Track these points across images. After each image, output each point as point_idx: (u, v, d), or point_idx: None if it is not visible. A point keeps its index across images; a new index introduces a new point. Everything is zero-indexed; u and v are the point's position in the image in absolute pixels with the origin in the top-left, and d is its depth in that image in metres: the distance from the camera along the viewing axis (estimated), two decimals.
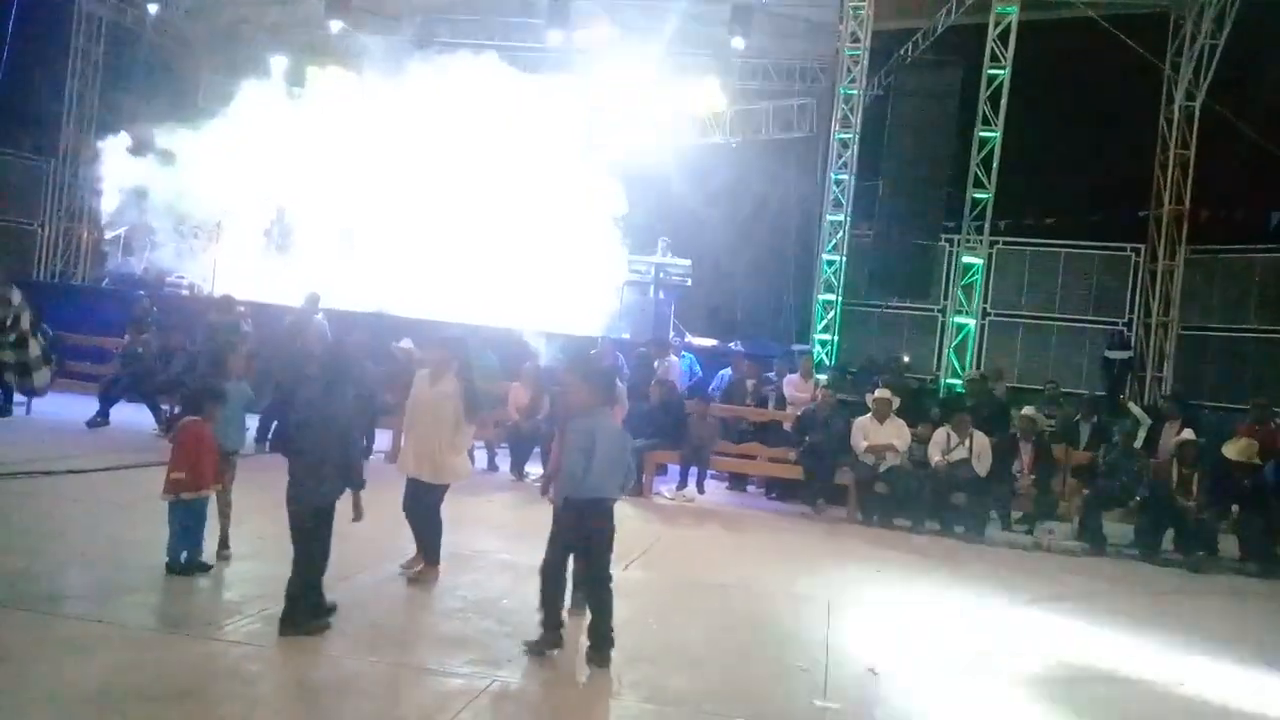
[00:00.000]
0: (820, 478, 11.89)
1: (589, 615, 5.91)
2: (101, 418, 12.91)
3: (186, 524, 6.66)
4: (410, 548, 7.21)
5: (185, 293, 17.67)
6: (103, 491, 9.02)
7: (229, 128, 18.62)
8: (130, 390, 13.23)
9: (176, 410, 9.84)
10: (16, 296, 7.66)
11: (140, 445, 11.10)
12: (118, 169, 19.03)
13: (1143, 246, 19.91)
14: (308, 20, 20.71)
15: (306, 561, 5.81)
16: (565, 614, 6.01)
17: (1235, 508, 11.09)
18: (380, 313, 15.48)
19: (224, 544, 7.09)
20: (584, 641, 5.84)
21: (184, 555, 6.65)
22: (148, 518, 7.03)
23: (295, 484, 5.86)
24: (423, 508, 7.15)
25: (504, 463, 12.63)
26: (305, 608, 5.77)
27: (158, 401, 12.99)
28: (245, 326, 13.57)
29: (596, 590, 5.89)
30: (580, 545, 5.94)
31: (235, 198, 18.48)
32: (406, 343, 11.18)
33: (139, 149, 18.67)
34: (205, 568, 6.74)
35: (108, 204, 19.49)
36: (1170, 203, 19.25)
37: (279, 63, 20.30)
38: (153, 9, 21.47)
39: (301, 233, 18.24)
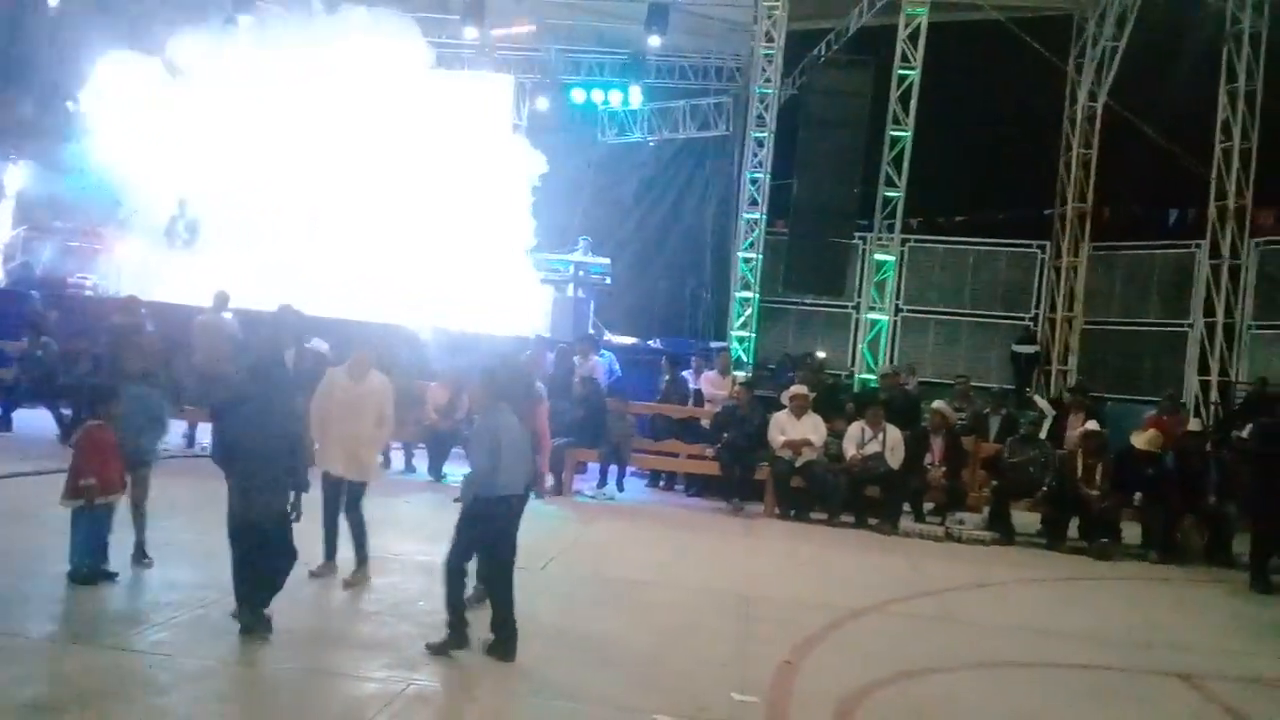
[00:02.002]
0: (739, 474, 11.99)
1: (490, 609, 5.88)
2: (2, 425, 12.48)
3: (90, 531, 6.45)
4: (318, 552, 7.08)
5: (88, 294, 17.12)
6: (1, 500, 8.70)
7: (121, 117, 18.04)
8: (30, 395, 12.79)
9: (76, 415, 9.56)
10: None
11: (43, 452, 10.73)
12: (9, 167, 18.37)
13: (1048, 244, 20.49)
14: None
15: (275, 570, 5.78)
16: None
17: (1138, 496, 11.47)
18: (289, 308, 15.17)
19: (142, 553, 6.91)
20: (488, 638, 5.80)
21: (88, 564, 6.44)
22: (51, 526, 6.79)
23: (249, 496, 5.73)
24: (352, 508, 7.10)
25: (422, 463, 12.50)
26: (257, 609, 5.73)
27: (59, 406, 12.57)
28: (149, 329, 13.20)
29: (500, 584, 5.87)
30: (486, 542, 5.89)
31: (134, 192, 17.92)
32: (318, 342, 10.97)
33: (30, 146, 18.02)
34: (110, 576, 6.52)
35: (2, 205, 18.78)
36: (1074, 201, 19.85)
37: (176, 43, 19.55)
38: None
39: (208, 228, 17.71)
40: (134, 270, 17.14)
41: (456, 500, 6.13)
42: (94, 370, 11.91)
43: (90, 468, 6.47)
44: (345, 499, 7.10)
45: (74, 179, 17.53)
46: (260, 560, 5.74)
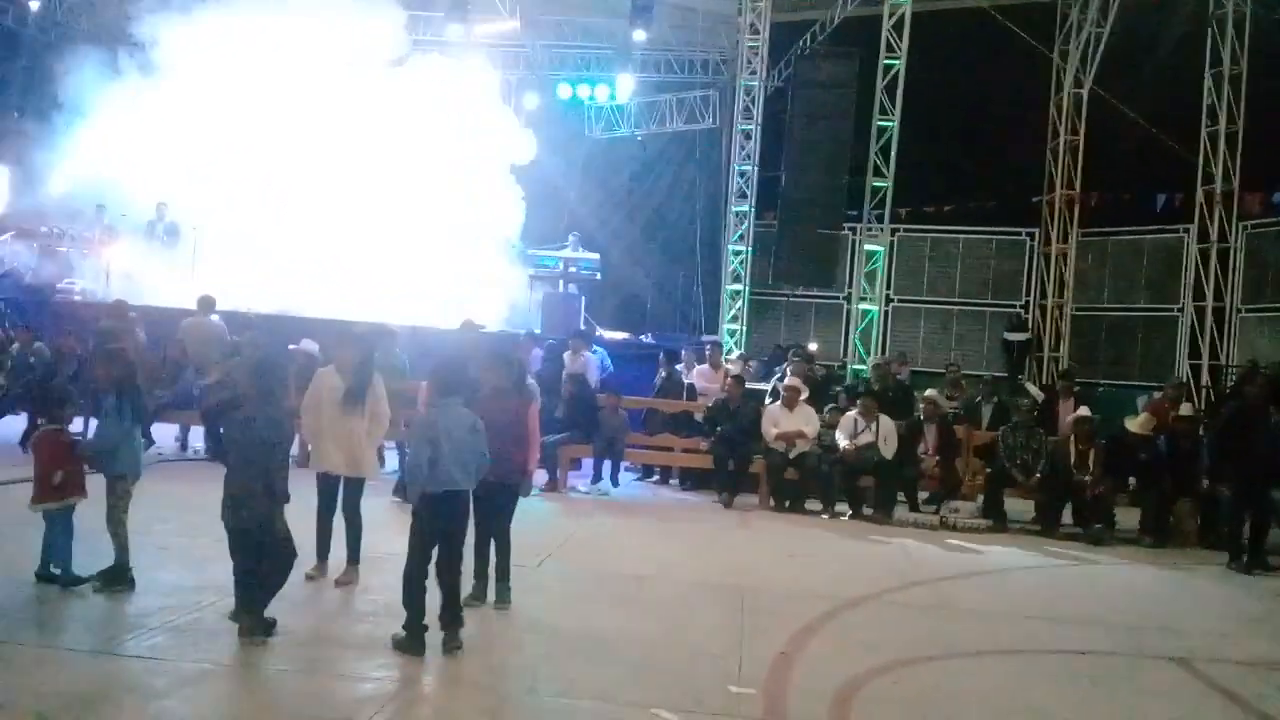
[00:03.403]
0: (734, 466, 11.99)
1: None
2: None
3: (58, 534, 6.43)
4: (313, 555, 7.07)
5: (77, 298, 17.05)
6: None
7: (101, 122, 17.98)
8: (23, 401, 12.72)
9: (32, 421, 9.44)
10: None
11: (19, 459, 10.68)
12: None
13: (1037, 230, 20.56)
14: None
15: (271, 572, 5.76)
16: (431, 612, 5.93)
17: (1132, 481, 11.49)
18: (281, 314, 15.19)
19: (122, 574, 6.48)
20: (440, 635, 5.78)
21: (64, 566, 6.41)
22: (17, 532, 6.77)
23: (243, 497, 5.71)
24: (351, 506, 7.10)
25: None
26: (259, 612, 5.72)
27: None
28: (139, 332, 13.17)
29: (448, 576, 5.85)
30: (437, 539, 5.85)
31: (116, 196, 17.86)
32: (307, 343, 10.94)
33: (17, 152, 17.93)
34: (79, 581, 6.41)
35: None
36: (1062, 187, 19.91)
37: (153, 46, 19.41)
38: (34, 5, 20.65)
39: (189, 230, 17.64)
40: (121, 273, 17.06)
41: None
42: (74, 377, 11.84)
43: (56, 467, 6.44)
44: (344, 497, 7.09)
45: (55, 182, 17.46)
46: (258, 561, 5.73)
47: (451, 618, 5.80)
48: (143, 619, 5.97)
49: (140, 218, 17.77)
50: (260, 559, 5.73)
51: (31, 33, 21.03)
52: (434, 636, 5.75)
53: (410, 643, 5.68)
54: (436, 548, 5.85)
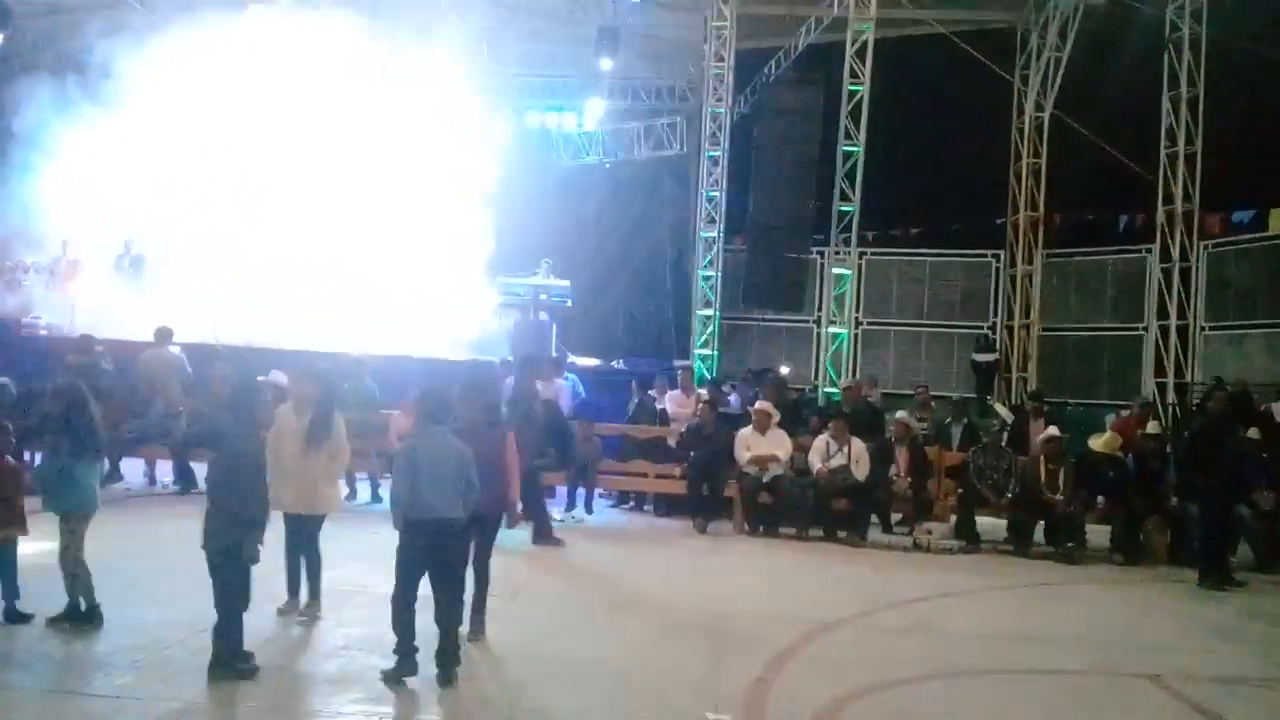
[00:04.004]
0: (708, 491, 11.99)
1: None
2: None
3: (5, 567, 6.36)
4: (284, 591, 7.00)
5: (43, 333, 16.87)
6: None
7: (63, 153, 17.87)
8: None
9: None
10: None
11: None
12: None
13: (1002, 252, 20.78)
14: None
15: (231, 600, 5.67)
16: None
17: (1101, 499, 11.59)
18: (249, 345, 15.08)
19: (74, 614, 6.34)
20: (433, 668, 5.75)
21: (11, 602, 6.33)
22: None
23: (208, 526, 5.67)
24: (309, 542, 6.99)
25: (388, 493, 12.37)
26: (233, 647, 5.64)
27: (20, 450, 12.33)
28: (106, 365, 13.05)
29: (443, 613, 5.83)
30: (425, 567, 5.83)
31: (79, 229, 17.74)
32: (276, 374, 10.85)
33: None
34: (21, 618, 6.34)
35: None
36: (1026, 209, 20.16)
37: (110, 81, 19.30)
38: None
39: (154, 262, 17.52)
40: (86, 307, 16.90)
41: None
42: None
43: None
44: (303, 535, 7.00)
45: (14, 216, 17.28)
46: (230, 594, 5.66)
47: (442, 654, 5.75)
48: (111, 657, 5.88)
49: (106, 250, 17.64)
50: (229, 589, 5.66)
51: None
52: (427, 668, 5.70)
53: (400, 666, 5.68)
54: (428, 578, 5.82)
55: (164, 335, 13.46)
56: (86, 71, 19.08)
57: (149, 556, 8.38)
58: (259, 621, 6.32)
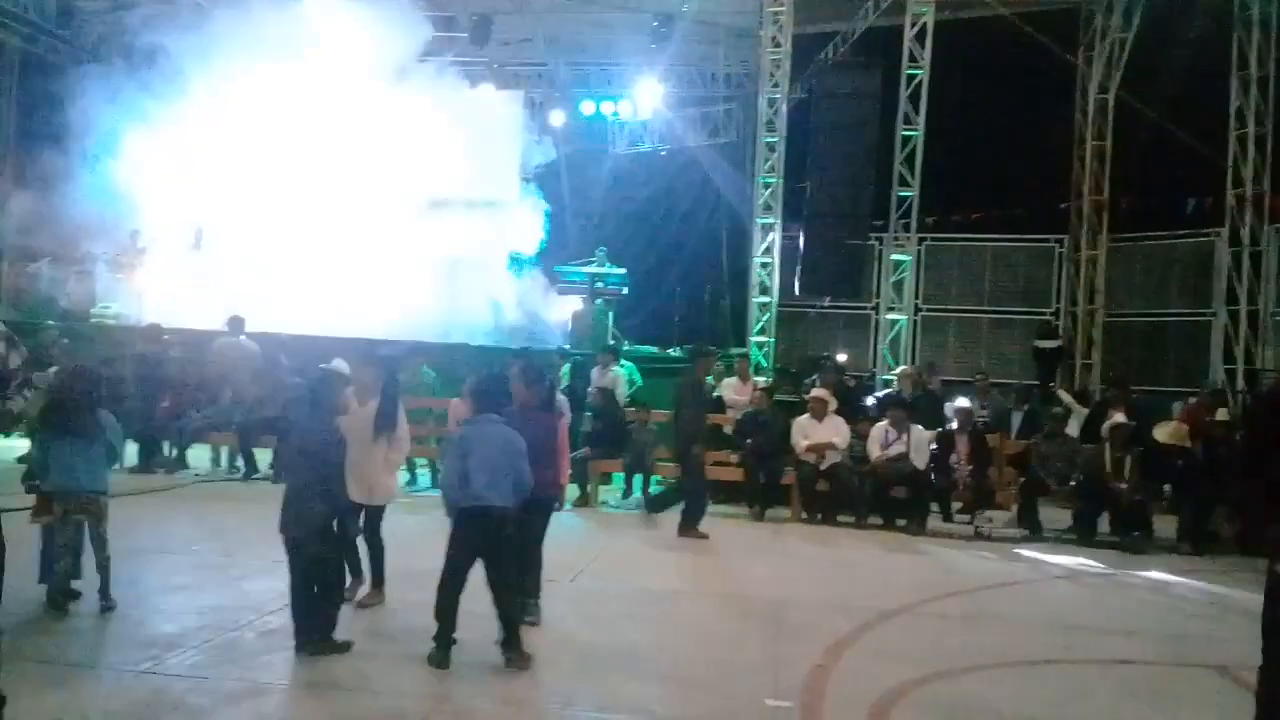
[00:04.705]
0: (765, 479, 11.96)
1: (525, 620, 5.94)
2: None
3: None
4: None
5: (112, 322, 17.29)
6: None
7: (143, 151, 18.29)
8: None
9: None
10: None
11: None
12: (33, 199, 18.57)
13: (1065, 237, 20.42)
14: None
15: (323, 588, 5.83)
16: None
17: (1168, 488, 11.35)
18: (311, 334, 15.32)
19: (106, 593, 6.47)
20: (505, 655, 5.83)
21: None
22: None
23: (294, 507, 5.83)
24: (371, 531, 7.10)
25: None
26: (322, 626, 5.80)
27: None
28: (174, 354, 13.37)
29: (501, 598, 5.86)
30: (474, 556, 5.86)
31: (151, 220, 18.17)
32: (339, 363, 11.01)
33: (52, 179, 18.20)
34: (75, 596, 6.51)
35: (26, 235, 19.00)
36: (1090, 193, 19.75)
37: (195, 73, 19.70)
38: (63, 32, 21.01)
39: (221, 252, 17.86)
40: (155, 297, 17.31)
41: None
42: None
43: None
44: (365, 523, 7.09)
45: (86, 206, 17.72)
46: (314, 579, 5.81)
47: (506, 642, 5.80)
48: (182, 638, 6.03)
49: (174, 241, 18.03)
50: (322, 574, 5.79)
51: (61, 61, 21.38)
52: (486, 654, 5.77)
53: (435, 655, 5.74)
54: (482, 565, 5.87)
55: (237, 324, 13.71)
56: (153, 65, 19.48)
57: (215, 540, 8.59)
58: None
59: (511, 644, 5.81)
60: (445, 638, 5.77)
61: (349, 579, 7.07)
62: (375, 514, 7.12)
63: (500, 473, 5.87)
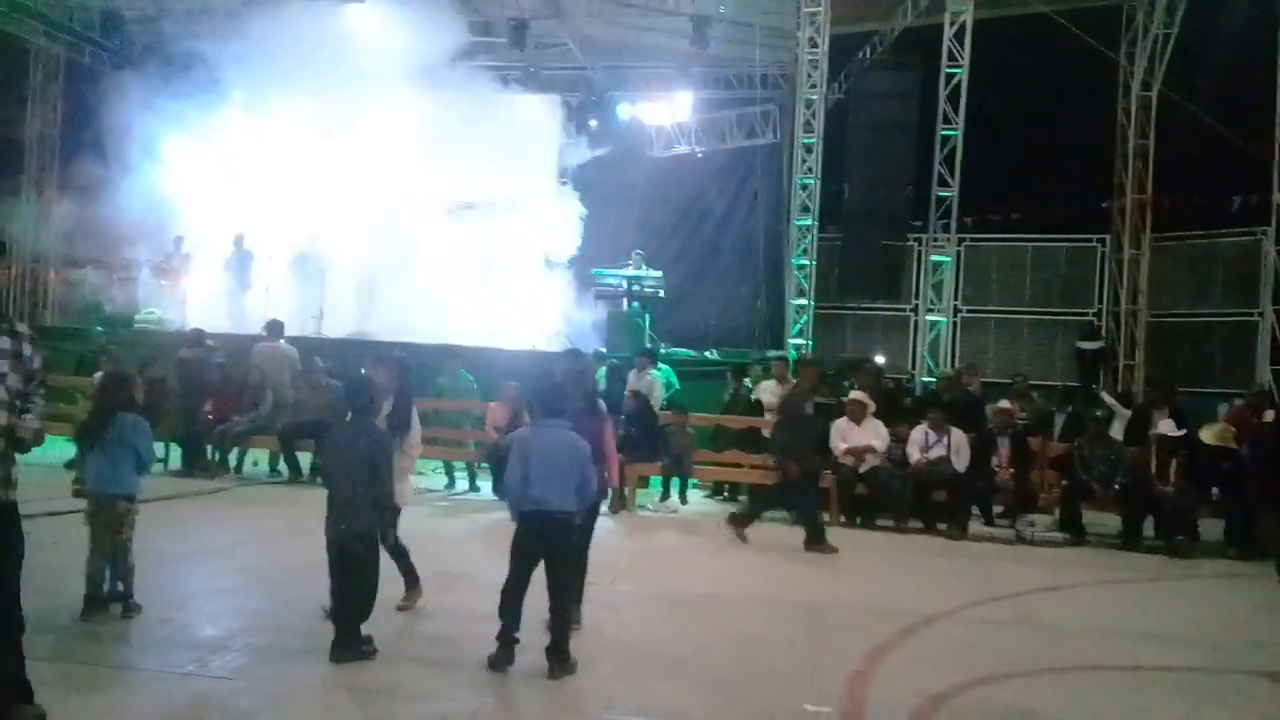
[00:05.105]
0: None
1: (578, 626, 5.94)
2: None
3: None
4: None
5: (155, 328, 17.55)
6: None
7: (185, 158, 18.58)
8: None
9: None
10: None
11: None
12: (77, 207, 18.93)
13: (1108, 237, 20.20)
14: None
15: (355, 591, 5.85)
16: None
17: (1215, 491, 11.17)
18: (353, 338, 15.53)
19: (127, 599, 6.44)
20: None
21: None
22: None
23: (338, 509, 5.88)
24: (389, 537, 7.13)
25: (485, 483, 12.59)
26: (354, 632, 5.82)
27: None
28: (218, 359, 13.54)
29: (556, 604, 5.87)
30: (536, 558, 5.87)
31: (196, 228, 18.46)
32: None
33: (97, 186, 18.51)
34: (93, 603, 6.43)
35: (71, 242, 19.39)
36: (1132, 192, 19.52)
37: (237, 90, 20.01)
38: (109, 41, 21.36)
39: (262, 259, 18.09)
40: (199, 302, 17.56)
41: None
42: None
43: None
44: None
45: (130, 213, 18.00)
46: (349, 581, 5.86)
47: (553, 650, 5.78)
48: (226, 640, 6.09)
49: (218, 248, 18.29)
50: (362, 574, 5.85)
51: (104, 70, 21.73)
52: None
53: (497, 654, 5.76)
54: (543, 569, 5.88)
55: (276, 329, 13.86)
56: (194, 73, 19.79)
57: (257, 543, 8.69)
58: None
59: (559, 648, 5.81)
60: (509, 638, 5.80)
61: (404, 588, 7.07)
62: (391, 519, 7.12)
63: (562, 477, 5.88)
